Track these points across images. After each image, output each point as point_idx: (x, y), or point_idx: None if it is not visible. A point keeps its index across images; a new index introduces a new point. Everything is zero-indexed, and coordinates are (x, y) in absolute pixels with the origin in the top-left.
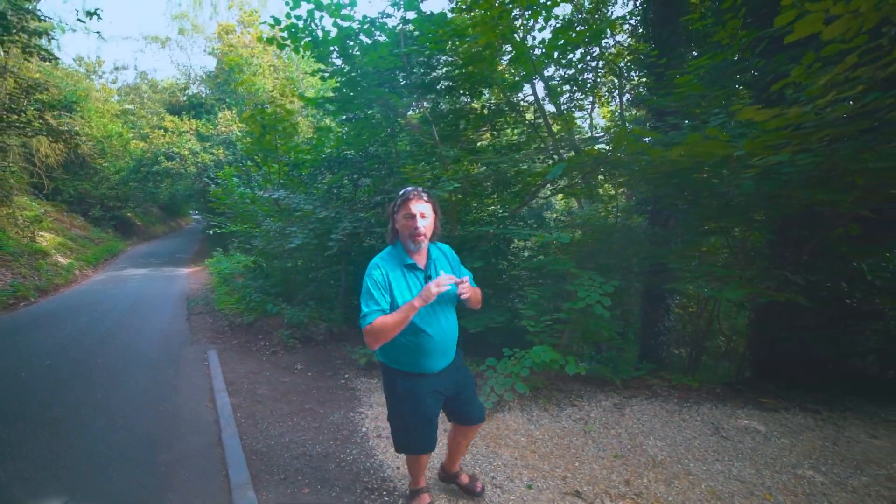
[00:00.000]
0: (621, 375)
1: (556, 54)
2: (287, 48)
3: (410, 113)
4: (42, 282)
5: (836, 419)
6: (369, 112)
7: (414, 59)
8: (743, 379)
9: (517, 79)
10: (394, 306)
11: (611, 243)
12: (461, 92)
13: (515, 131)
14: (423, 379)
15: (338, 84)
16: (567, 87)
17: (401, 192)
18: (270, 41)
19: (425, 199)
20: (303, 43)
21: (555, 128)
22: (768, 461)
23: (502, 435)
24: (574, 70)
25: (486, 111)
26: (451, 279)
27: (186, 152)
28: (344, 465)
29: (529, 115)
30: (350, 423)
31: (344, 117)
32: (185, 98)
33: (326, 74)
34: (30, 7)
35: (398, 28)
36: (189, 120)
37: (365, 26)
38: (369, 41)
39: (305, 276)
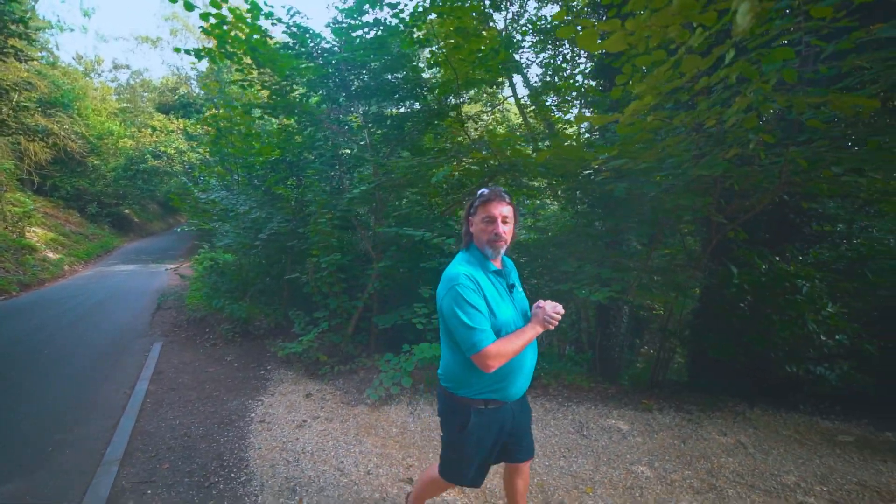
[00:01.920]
0: None
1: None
2: (204, 58)
3: (353, 116)
4: (27, 276)
5: (702, 419)
6: (292, 119)
7: (353, 65)
8: (658, 381)
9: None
10: (491, 319)
11: (570, 246)
12: (419, 93)
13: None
14: (499, 410)
15: (267, 90)
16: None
17: (479, 193)
18: (199, 55)
19: (507, 200)
20: (220, 52)
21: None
22: (611, 458)
23: (377, 425)
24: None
25: (426, 113)
26: (561, 308)
27: (173, 151)
28: (213, 445)
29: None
30: (243, 409)
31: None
32: (175, 98)
33: (245, 83)
34: (2, 9)
35: (356, 32)
36: (177, 119)
37: (290, 29)
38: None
39: (255, 273)
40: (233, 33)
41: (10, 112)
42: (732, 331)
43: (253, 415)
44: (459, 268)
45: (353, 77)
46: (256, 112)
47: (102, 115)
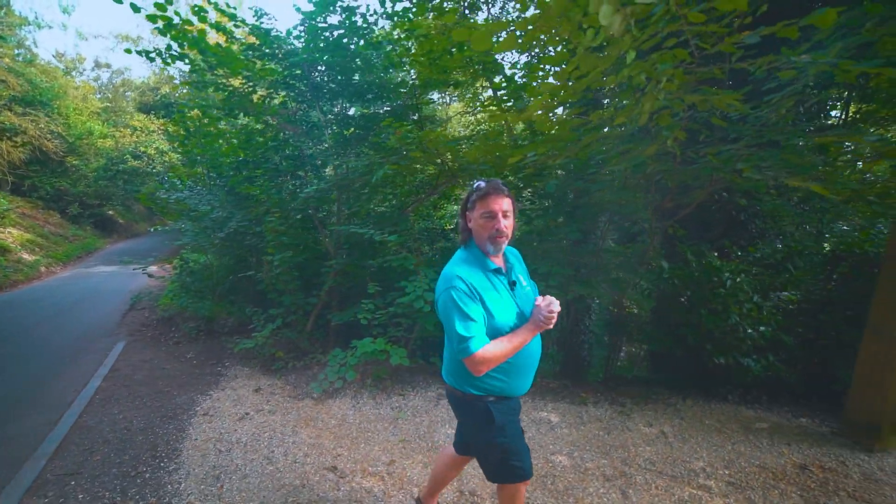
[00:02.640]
0: None
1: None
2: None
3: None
4: None
5: (633, 411)
6: (247, 120)
7: (314, 66)
8: (611, 375)
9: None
10: (489, 320)
11: (538, 246)
12: (384, 94)
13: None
14: (511, 402)
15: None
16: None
17: (475, 186)
18: (150, 57)
19: (505, 192)
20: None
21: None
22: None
23: (317, 417)
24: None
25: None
26: (556, 304)
27: (153, 151)
28: (151, 437)
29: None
30: (190, 403)
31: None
32: (157, 97)
33: (199, 85)
34: None
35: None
36: (158, 119)
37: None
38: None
39: (223, 272)
40: (191, 35)
41: None
42: (671, 325)
43: (198, 408)
44: (456, 269)
45: (316, 78)
46: (214, 113)
47: (84, 114)
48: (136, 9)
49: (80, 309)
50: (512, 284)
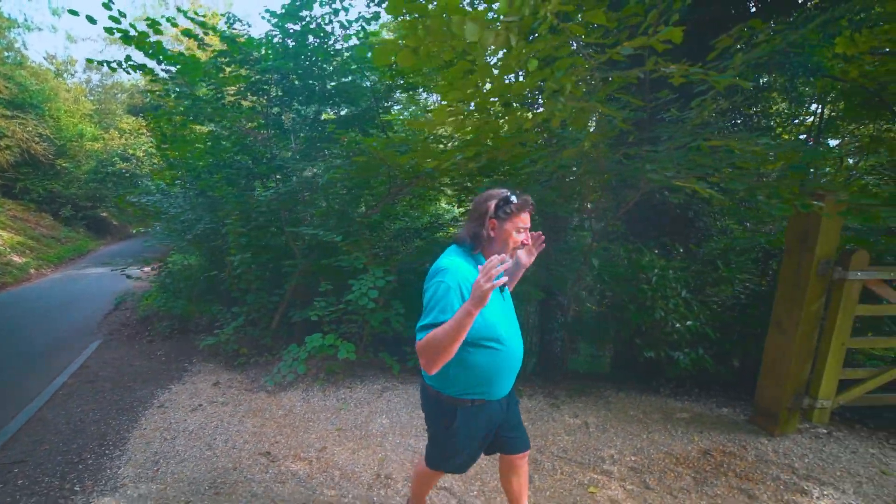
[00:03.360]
0: (409, 364)
1: None
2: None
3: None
4: None
5: (564, 404)
6: (208, 124)
7: (282, 72)
8: (565, 372)
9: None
10: (481, 321)
11: None
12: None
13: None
14: (486, 406)
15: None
16: None
17: (512, 198)
18: (111, 66)
19: (531, 209)
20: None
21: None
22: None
23: (265, 408)
24: None
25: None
26: (501, 261)
27: (142, 154)
28: (103, 428)
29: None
30: (149, 397)
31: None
32: (148, 100)
33: (159, 93)
34: None
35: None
36: (145, 122)
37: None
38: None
39: (200, 272)
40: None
41: None
42: (607, 320)
43: (155, 401)
44: (453, 262)
45: (284, 83)
46: (179, 119)
47: (76, 116)
48: (91, 20)
49: (66, 310)
50: (500, 288)
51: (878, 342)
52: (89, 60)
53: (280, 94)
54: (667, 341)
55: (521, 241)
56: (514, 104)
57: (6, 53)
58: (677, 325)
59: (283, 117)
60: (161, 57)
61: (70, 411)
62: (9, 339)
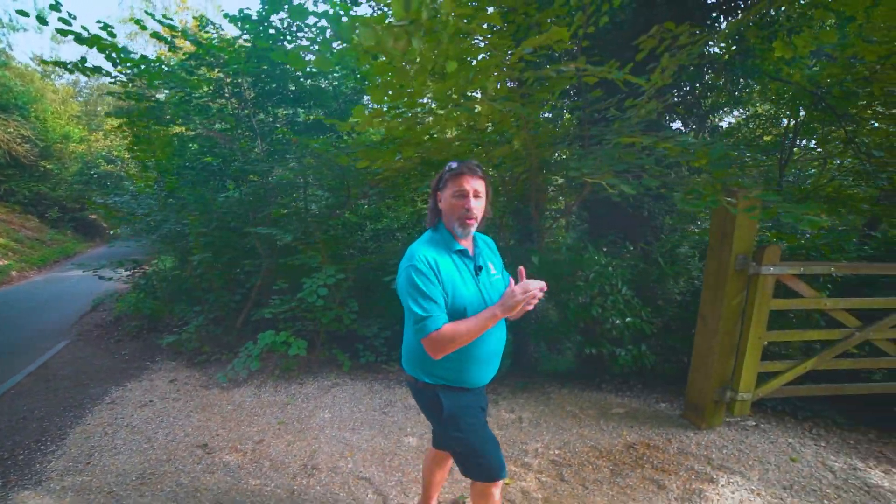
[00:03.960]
0: (361, 361)
1: None
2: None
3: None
4: None
5: (504, 400)
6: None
7: (248, 75)
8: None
9: None
10: (449, 302)
11: None
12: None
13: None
14: (466, 394)
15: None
16: None
17: (448, 165)
18: (69, 69)
19: (479, 174)
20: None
21: None
22: (392, 431)
23: (215, 404)
24: None
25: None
26: (541, 286)
27: (127, 156)
28: (45, 425)
29: None
30: (102, 394)
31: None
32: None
33: (118, 95)
34: None
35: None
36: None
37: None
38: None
39: (169, 273)
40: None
41: None
42: (549, 317)
43: (107, 398)
44: (419, 247)
45: (257, 86)
46: (143, 121)
47: (63, 118)
48: (42, 21)
49: (41, 311)
50: (478, 269)
51: (795, 335)
52: (43, 61)
53: (253, 96)
54: (607, 338)
55: (462, 207)
56: (448, 105)
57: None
58: (617, 321)
59: (253, 120)
60: (118, 59)
61: (16, 409)
62: None
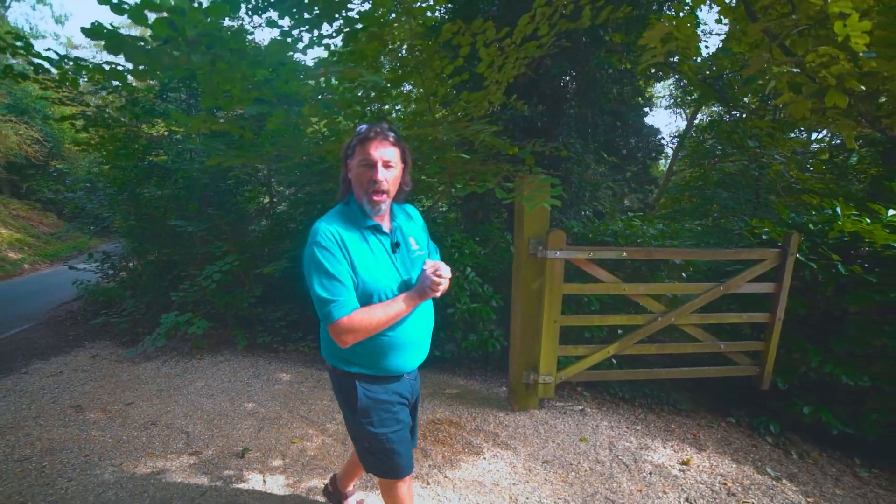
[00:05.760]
0: (258, 342)
1: None
2: None
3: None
4: None
5: None
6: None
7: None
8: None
9: None
10: (359, 284)
11: None
12: None
13: None
14: (388, 384)
15: None
16: None
17: (357, 130)
18: None
19: (391, 140)
20: None
21: None
22: (236, 397)
23: (117, 375)
24: None
25: None
26: (448, 271)
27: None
28: None
29: None
30: (22, 366)
31: None
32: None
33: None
34: None
35: None
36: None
37: None
38: None
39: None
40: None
41: None
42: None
43: (24, 369)
44: (324, 222)
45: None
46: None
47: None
48: None
49: (32, 299)
50: (395, 246)
51: (594, 319)
52: None
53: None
54: (452, 321)
55: (370, 178)
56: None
57: (12, 60)
58: (462, 306)
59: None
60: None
61: None
62: None
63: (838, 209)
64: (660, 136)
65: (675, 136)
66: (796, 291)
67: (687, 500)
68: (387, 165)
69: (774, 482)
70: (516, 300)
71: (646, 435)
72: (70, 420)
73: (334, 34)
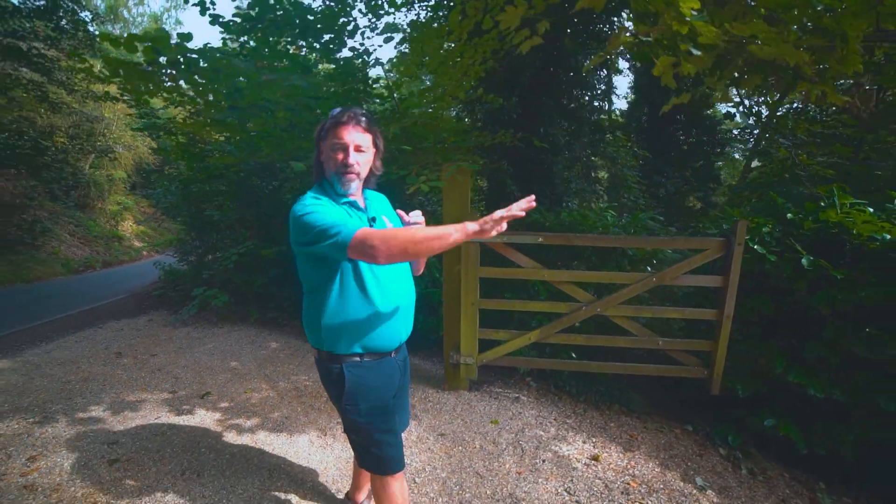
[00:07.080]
0: (269, 316)
1: None
2: None
3: None
4: (110, 257)
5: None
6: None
7: None
8: None
9: None
10: None
11: None
12: None
13: None
14: (381, 361)
15: None
16: None
17: (330, 113)
18: None
19: (363, 125)
20: None
21: None
22: (228, 355)
23: (158, 334)
24: None
25: None
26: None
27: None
28: (51, 332)
29: None
30: (102, 322)
31: None
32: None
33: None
34: None
35: None
36: None
37: None
38: None
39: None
40: None
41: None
42: None
43: (100, 324)
44: (308, 194)
45: None
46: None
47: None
48: None
49: (138, 278)
50: (371, 221)
51: (515, 304)
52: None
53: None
54: (418, 306)
55: (341, 162)
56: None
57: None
58: (420, 290)
59: None
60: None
61: (54, 326)
62: (72, 294)
63: (835, 198)
64: (724, 128)
65: (744, 128)
66: (760, 288)
67: (567, 490)
68: (358, 149)
69: (696, 492)
70: (444, 284)
71: (571, 428)
72: (109, 361)
73: None
